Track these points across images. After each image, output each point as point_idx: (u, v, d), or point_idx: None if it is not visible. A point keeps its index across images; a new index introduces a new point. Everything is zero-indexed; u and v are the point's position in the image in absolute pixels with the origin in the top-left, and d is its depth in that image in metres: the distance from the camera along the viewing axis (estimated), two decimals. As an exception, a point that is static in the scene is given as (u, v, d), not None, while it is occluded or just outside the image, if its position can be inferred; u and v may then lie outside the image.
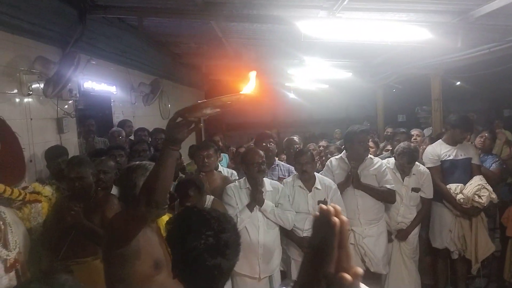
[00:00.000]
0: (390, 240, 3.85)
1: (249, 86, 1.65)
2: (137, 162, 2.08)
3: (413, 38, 3.50)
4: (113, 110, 5.39)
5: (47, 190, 2.80)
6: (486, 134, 4.54)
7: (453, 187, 3.95)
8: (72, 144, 4.05)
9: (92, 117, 4.76)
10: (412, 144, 4.12)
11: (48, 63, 3.33)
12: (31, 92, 3.34)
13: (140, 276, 1.85)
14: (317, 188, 3.46)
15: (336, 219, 0.68)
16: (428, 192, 3.94)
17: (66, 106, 3.96)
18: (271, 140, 4.25)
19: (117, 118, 5.40)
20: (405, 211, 3.87)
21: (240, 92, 1.61)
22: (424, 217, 4.05)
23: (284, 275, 3.51)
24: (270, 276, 3.26)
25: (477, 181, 3.87)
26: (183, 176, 3.69)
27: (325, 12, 3.42)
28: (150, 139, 4.96)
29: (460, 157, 4.03)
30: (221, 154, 5.13)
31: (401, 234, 3.87)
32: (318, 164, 4.75)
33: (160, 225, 2.11)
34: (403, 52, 5.30)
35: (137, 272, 1.84)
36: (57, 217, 2.70)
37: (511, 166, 4.91)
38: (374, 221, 3.64)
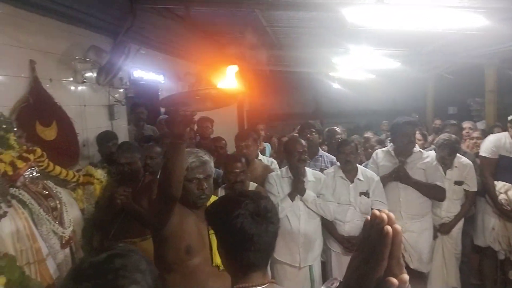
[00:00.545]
0: (435, 237, 3.72)
1: (226, 81, 1.64)
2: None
3: (467, 25, 3.33)
4: (160, 99, 5.56)
5: (99, 173, 2.96)
6: None
7: (499, 185, 3.70)
8: (122, 130, 4.23)
9: (142, 105, 4.93)
10: (453, 136, 3.93)
11: (100, 52, 3.48)
12: (85, 80, 3.52)
13: (172, 258, 1.96)
14: (359, 179, 3.41)
15: (389, 228, 0.66)
16: (471, 185, 3.74)
17: (117, 94, 4.13)
18: (313, 130, 4.21)
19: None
20: (448, 205, 3.70)
21: (218, 87, 1.62)
22: (468, 211, 3.86)
23: (324, 266, 3.50)
24: (311, 266, 3.26)
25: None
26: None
27: (372, -2, 3.32)
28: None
29: None
30: (264, 143, 5.18)
31: (444, 228, 3.72)
32: (362, 156, 4.66)
33: None
34: (456, 40, 5.03)
35: (169, 255, 1.96)
36: (108, 199, 2.84)
37: None
38: (417, 216, 3.51)
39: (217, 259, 1.96)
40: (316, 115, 11.54)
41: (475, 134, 4.80)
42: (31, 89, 2.83)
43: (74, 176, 2.74)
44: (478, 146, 4.31)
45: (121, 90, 4.22)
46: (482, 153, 3.87)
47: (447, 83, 9.24)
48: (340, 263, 3.39)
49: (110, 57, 3.55)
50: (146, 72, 4.82)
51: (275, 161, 4.08)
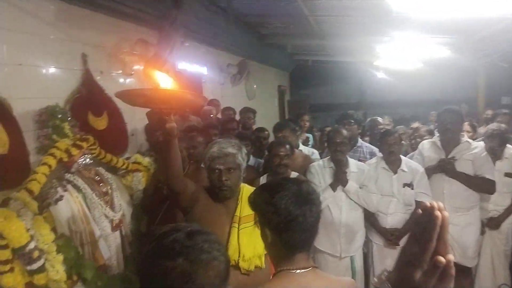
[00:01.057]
0: (482, 233, 3.57)
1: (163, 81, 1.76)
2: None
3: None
4: (203, 90, 5.68)
5: (147, 161, 3.09)
6: None
7: None
8: (167, 120, 4.37)
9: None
10: (502, 125, 3.72)
11: (147, 45, 3.61)
12: (133, 72, 3.67)
13: None
14: (403, 170, 3.32)
15: (438, 213, 0.74)
16: None
17: (162, 86, 4.26)
18: (352, 120, 4.15)
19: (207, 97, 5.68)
20: (497, 198, 3.50)
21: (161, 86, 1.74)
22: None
23: (365, 257, 3.47)
24: (352, 257, 3.25)
25: None
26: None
27: (420, -17, 3.21)
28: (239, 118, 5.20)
29: None
30: (306, 134, 5.17)
31: (493, 223, 3.56)
32: (407, 147, 4.55)
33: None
34: (509, 26, 4.75)
35: None
36: (155, 186, 2.97)
37: None
38: (462, 209, 3.37)
39: (233, 254, 2.00)
40: (360, 105, 11.31)
41: None
42: (83, 81, 3.00)
43: (124, 163, 2.88)
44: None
45: (166, 82, 4.35)
46: None
47: (500, 71, 8.73)
48: (382, 255, 3.35)
49: (156, 50, 3.67)
50: (190, 65, 4.94)
51: (316, 151, 4.07)
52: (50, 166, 2.29)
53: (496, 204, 3.55)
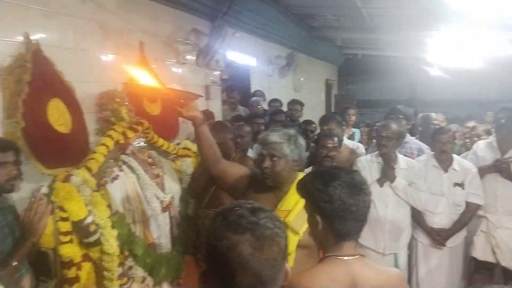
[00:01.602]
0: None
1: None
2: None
3: None
4: (251, 81, 5.74)
5: (195, 147, 3.19)
6: None
7: None
8: (216, 110, 4.47)
9: (236, 88, 5.17)
10: None
11: (200, 35, 3.70)
12: (185, 62, 3.77)
13: None
14: (454, 169, 3.21)
15: None
16: None
17: (212, 77, 4.36)
18: (400, 116, 4.04)
19: (254, 89, 5.74)
20: None
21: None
22: None
23: (409, 256, 3.39)
24: (396, 254, 3.19)
25: None
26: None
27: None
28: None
29: None
30: (352, 129, 5.11)
31: None
32: (460, 147, 4.37)
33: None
34: None
35: None
36: (202, 172, 3.05)
37: None
38: None
39: None
40: (411, 102, 10.89)
41: None
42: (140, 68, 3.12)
43: (174, 148, 2.99)
44: None
45: (216, 72, 4.43)
46: None
47: None
48: (427, 255, 3.27)
49: (209, 40, 3.76)
50: (240, 55, 5.00)
51: (361, 145, 4.02)
52: (107, 147, 2.42)
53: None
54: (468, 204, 3.19)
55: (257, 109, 5.06)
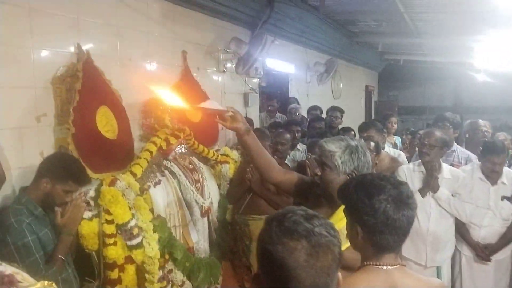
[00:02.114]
0: None
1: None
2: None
3: None
4: (290, 88, 5.74)
5: (234, 154, 3.24)
6: None
7: None
8: (255, 117, 4.52)
9: (275, 96, 5.21)
10: None
11: (240, 43, 3.76)
12: (225, 70, 3.85)
13: None
14: (503, 183, 3.06)
15: None
16: None
17: (251, 84, 4.40)
18: (447, 124, 3.89)
19: (292, 95, 5.74)
20: None
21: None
22: None
23: (452, 269, 3.26)
24: (439, 267, 3.08)
25: None
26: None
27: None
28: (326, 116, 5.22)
29: None
30: (394, 137, 5.00)
31: None
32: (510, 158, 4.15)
33: None
34: None
35: None
36: (240, 178, 3.09)
37: None
38: None
39: None
40: (456, 109, 10.48)
41: None
42: (182, 76, 3.22)
43: (214, 154, 3.05)
44: None
45: (255, 80, 4.48)
46: None
47: None
48: (471, 268, 3.13)
49: (248, 48, 3.81)
50: (278, 62, 5.02)
51: (402, 153, 3.91)
52: (151, 153, 2.51)
53: None
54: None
55: (295, 116, 5.07)
